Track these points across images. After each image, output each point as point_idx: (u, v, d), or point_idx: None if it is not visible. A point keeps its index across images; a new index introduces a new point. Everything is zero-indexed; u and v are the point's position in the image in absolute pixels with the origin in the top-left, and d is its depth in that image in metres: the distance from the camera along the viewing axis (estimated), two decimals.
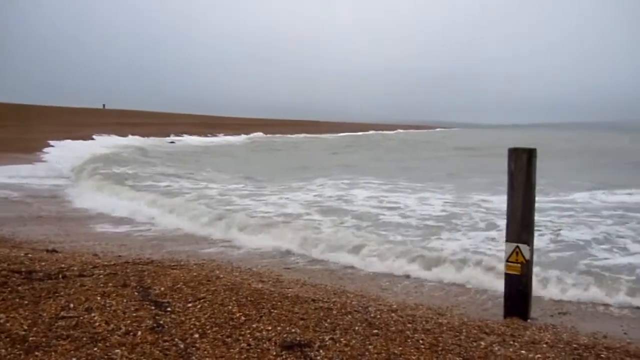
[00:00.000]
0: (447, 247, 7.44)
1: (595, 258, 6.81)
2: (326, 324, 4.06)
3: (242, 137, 52.64)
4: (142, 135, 40.09)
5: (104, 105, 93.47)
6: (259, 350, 3.51)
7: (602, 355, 3.71)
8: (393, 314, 4.43)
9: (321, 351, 3.54)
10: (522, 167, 4.81)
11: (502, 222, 8.71)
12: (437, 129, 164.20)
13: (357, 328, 4.01)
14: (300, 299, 4.65)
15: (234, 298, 4.54)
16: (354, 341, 3.74)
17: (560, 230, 8.31)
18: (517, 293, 4.83)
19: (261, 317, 4.13)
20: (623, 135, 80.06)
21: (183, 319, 4.00)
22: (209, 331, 3.78)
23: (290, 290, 5.07)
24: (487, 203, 11.42)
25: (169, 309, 4.21)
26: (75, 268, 5.21)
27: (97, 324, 3.79)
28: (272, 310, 4.29)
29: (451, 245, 7.59)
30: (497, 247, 7.38)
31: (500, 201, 11.28)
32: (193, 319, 3.99)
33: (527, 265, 4.78)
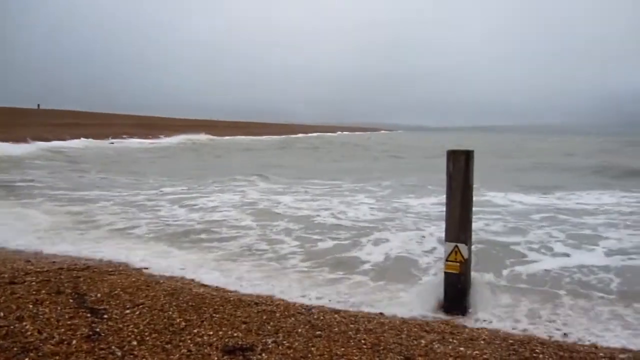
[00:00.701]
0: (377, 251, 7.45)
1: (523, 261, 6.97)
2: (269, 327, 4.04)
3: (183, 138, 51.04)
4: (80, 137, 38.56)
5: (38, 105, 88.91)
6: (199, 355, 3.45)
7: (536, 350, 3.84)
8: (336, 315, 4.46)
9: (264, 355, 3.51)
10: (460, 168, 4.93)
11: (426, 223, 8.98)
12: (382, 131, 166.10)
13: (300, 330, 4.01)
14: (242, 303, 4.61)
15: (174, 303, 4.46)
16: (296, 343, 3.74)
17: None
18: (456, 291, 4.95)
19: (202, 322, 4.07)
20: (551, 137, 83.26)
21: (121, 326, 3.89)
22: (147, 338, 3.69)
23: (232, 294, 5.01)
24: (420, 206, 11.48)
25: (105, 316, 4.08)
26: (6, 275, 4.98)
27: (28, 333, 3.63)
28: (214, 315, 4.24)
29: (382, 248, 7.62)
30: (431, 247, 7.52)
31: (429, 203, 11.55)
32: (131, 326, 3.88)
33: (466, 264, 4.91)
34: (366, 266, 6.61)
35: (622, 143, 51.54)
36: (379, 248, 7.53)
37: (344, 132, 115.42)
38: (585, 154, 35.67)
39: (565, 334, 4.39)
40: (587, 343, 4.14)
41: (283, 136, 73.71)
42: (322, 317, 4.33)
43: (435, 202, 11.61)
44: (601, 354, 3.84)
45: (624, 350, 3.98)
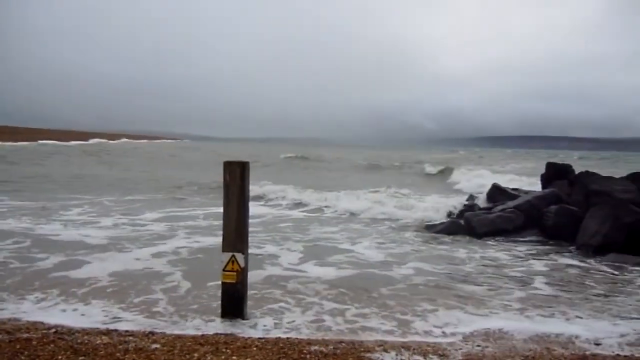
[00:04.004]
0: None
1: None
2: (23, 358, 3.62)
3: None
4: None
5: None
6: None
7: (304, 351, 4.05)
8: (104, 337, 4.16)
9: None
10: (236, 179, 4.99)
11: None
12: (166, 140, 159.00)
13: (60, 357, 3.67)
14: None
15: None
16: None
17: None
18: (234, 300, 5.00)
19: None
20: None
21: None
22: None
23: None
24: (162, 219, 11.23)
25: None
26: None
27: None
28: None
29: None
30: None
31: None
32: None
33: (243, 273, 4.99)
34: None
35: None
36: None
37: (127, 139, 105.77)
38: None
39: (326, 333, 4.71)
40: (349, 339, 4.50)
41: (44, 141, 61.82)
42: (87, 341, 4.01)
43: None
44: (362, 349, 4.20)
45: (381, 343, 4.42)
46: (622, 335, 4.89)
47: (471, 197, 14.32)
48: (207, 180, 19.49)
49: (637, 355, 4.37)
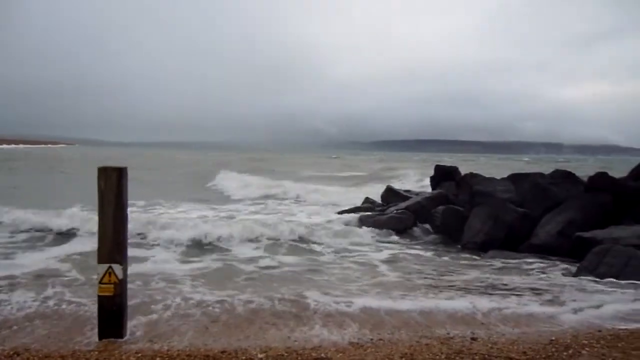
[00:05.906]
0: None
1: None
2: None
3: None
4: None
5: None
6: None
7: None
8: None
9: None
10: (112, 185, 4.72)
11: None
12: (60, 145, 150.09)
13: None
14: None
15: None
16: None
17: None
18: (111, 314, 4.72)
19: None
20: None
21: None
22: None
23: None
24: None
25: None
26: None
27: None
28: None
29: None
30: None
31: None
32: None
33: (121, 285, 4.73)
34: None
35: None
36: None
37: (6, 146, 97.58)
38: None
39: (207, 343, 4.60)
40: (232, 348, 4.40)
41: None
42: None
43: None
44: (244, 358, 4.12)
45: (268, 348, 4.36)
46: (498, 323, 5.21)
47: (367, 200, 14.68)
48: None
49: (510, 348, 4.61)
